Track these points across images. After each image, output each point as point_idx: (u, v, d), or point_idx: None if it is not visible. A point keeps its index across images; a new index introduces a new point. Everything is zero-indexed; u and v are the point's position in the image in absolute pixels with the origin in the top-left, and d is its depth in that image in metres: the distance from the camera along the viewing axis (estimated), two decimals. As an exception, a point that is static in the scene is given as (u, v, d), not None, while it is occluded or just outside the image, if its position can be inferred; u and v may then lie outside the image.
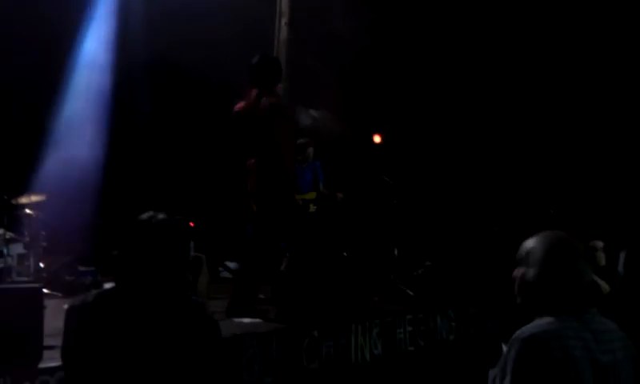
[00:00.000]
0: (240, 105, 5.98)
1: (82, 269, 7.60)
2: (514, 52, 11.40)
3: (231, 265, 9.17)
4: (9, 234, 7.00)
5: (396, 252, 8.30)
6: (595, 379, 2.16)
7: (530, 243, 2.36)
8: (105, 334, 2.34)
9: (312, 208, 7.78)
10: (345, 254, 8.38)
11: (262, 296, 6.39)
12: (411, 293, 7.60)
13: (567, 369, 2.13)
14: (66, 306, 2.49)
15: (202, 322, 2.49)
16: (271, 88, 5.90)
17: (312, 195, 7.84)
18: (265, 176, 5.85)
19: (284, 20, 9.08)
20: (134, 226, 2.47)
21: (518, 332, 2.20)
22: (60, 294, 7.01)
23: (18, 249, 7.05)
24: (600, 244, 6.51)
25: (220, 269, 9.19)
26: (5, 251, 6.75)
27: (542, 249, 2.30)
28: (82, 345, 2.36)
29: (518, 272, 2.37)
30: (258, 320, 5.63)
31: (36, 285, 4.62)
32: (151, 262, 2.42)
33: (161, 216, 2.48)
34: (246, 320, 5.61)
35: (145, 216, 2.48)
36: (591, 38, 11.03)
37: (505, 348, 2.44)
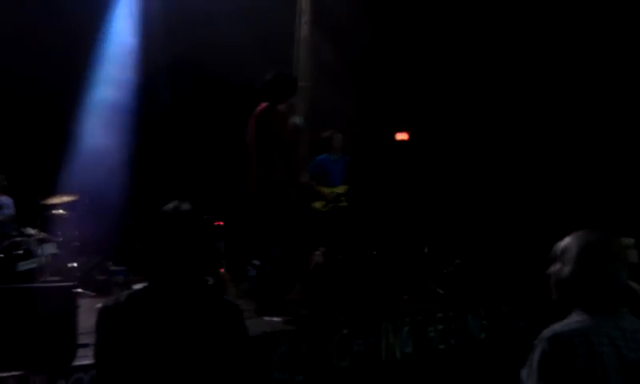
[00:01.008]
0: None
1: (113, 268, 7.68)
2: (544, 55, 11.24)
3: (259, 263, 9.17)
4: (42, 234, 7.09)
5: (426, 250, 8.23)
6: (624, 376, 2.16)
7: (566, 240, 2.39)
8: (137, 333, 2.35)
9: (343, 202, 7.69)
10: (374, 252, 8.33)
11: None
12: (441, 291, 7.54)
13: (593, 366, 2.14)
14: (98, 305, 2.51)
15: (233, 320, 2.49)
16: (277, 104, 5.81)
17: (343, 189, 7.71)
18: (259, 187, 5.79)
19: (304, 18, 9.06)
20: (159, 217, 2.46)
21: (544, 331, 2.23)
22: (92, 293, 7.10)
23: (50, 249, 7.14)
24: (631, 241, 6.41)
25: (249, 267, 9.21)
26: (38, 251, 6.83)
27: (577, 246, 2.33)
28: (115, 344, 2.37)
29: (553, 268, 2.40)
30: (288, 318, 5.63)
31: (69, 283, 4.67)
32: (178, 252, 2.41)
33: (185, 206, 2.48)
34: (277, 318, 5.61)
35: (169, 206, 2.48)
36: (622, 35, 10.82)
37: None
